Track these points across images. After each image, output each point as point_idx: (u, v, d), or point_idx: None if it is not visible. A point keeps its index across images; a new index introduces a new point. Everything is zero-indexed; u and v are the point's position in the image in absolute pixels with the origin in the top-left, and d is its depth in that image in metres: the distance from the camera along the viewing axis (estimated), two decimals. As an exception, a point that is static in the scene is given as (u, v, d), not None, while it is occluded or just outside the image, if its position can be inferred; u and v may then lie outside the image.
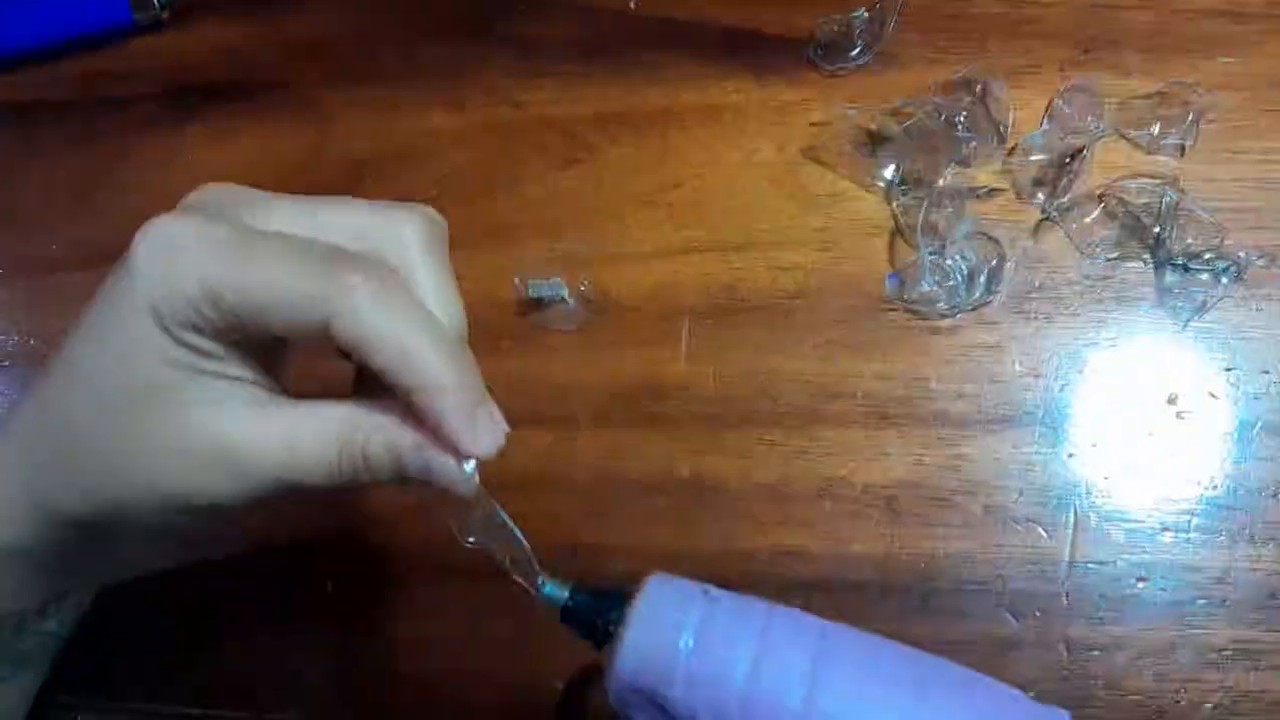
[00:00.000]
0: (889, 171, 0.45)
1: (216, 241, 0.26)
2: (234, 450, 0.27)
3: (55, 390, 0.29)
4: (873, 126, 0.45)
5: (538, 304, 0.45)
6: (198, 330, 0.27)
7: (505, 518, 0.31)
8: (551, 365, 0.45)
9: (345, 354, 0.27)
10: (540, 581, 0.32)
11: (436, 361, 0.26)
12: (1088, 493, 0.41)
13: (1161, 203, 0.43)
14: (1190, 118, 0.43)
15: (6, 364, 0.49)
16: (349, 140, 0.49)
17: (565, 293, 0.44)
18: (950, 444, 0.42)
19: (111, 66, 0.52)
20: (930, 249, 0.42)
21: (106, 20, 0.51)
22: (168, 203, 0.40)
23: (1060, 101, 0.45)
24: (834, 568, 0.41)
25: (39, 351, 0.49)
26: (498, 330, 0.45)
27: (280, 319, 0.26)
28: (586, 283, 0.45)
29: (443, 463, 0.27)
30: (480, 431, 0.27)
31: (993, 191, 0.44)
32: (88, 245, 0.49)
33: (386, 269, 0.27)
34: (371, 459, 0.28)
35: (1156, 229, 0.43)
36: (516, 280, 0.44)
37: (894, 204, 0.44)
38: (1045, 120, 0.45)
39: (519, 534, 0.31)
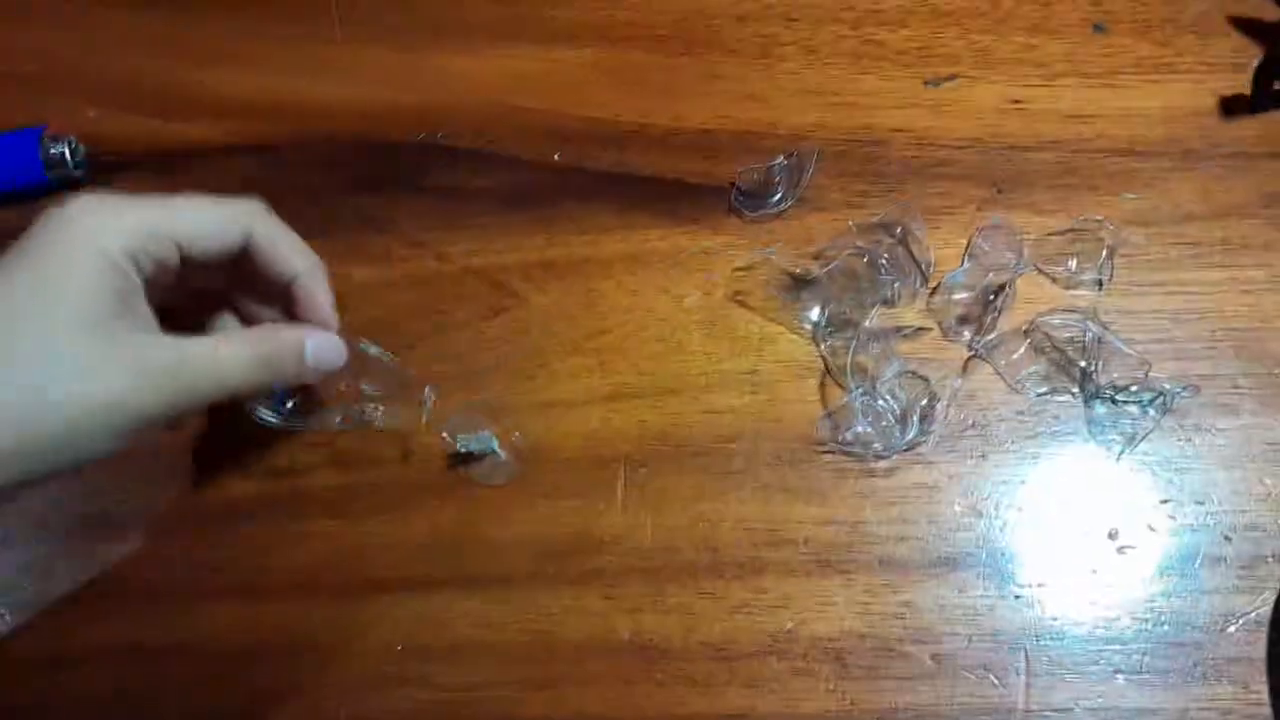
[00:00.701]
0: (814, 314, 0.45)
1: (135, 197, 0.34)
2: (183, 364, 0.33)
3: None
4: (796, 270, 0.45)
5: (466, 458, 0.43)
6: (135, 264, 0.33)
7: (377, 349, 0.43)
8: (481, 522, 0.43)
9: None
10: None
11: (315, 261, 0.39)
12: (1037, 636, 0.40)
13: (1085, 337, 0.43)
14: (1104, 254, 0.44)
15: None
16: (269, 296, 0.47)
17: (495, 445, 0.42)
18: (895, 590, 0.41)
19: (21, 226, 0.50)
20: (861, 390, 0.42)
21: (17, 181, 0.49)
22: None
23: (979, 239, 0.46)
24: (784, 729, 0.39)
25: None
26: (423, 486, 0.43)
27: (209, 239, 0.35)
28: (517, 434, 0.43)
29: (327, 339, 0.38)
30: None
31: (919, 330, 0.44)
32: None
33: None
34: (279, 350, 0.36)
35: (1082, 363, 0.43)
36: (445, 435, 0.43)
37: (822, 345, 0.44)
38: (966, 258, 0.45)
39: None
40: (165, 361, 0.33)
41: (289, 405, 0.43)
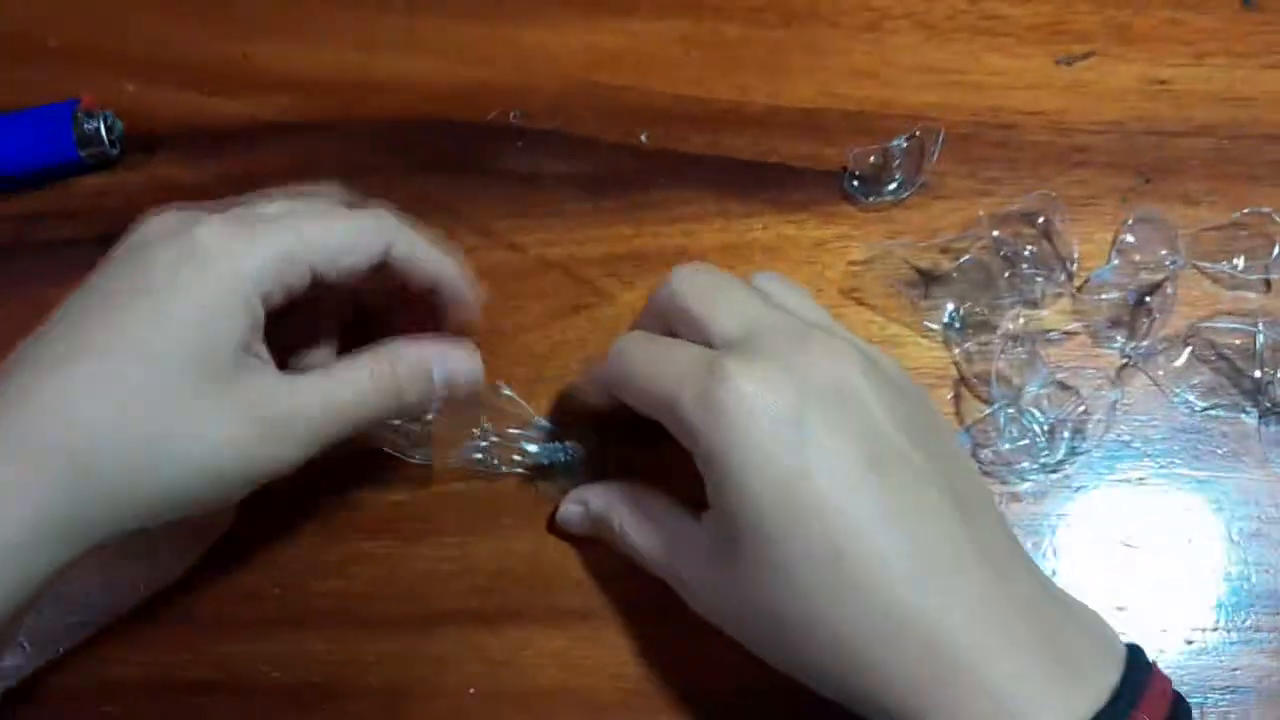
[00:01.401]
0: (945, 314, 0.39)
1: (260, 218, 0.31)
2: (297, 411, 0.30)
3: (90, 383, 0.28)
4: (923, 264, 0.40)
5: (544, 472, 0.38)
6: (266, 300, 0.30)
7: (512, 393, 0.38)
8: (560, 546, 0.38)
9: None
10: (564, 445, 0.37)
11: (454, 262, 0.35)
12: (1212, 689, 0.34)
13: (1257, 344, 0.38)
14: (1276, 250, 0.39)
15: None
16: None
17: (578, 455, 0.37)
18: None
19: (53, 207, 0.46)
20: (1005, 402, 0.37)
21: (49, 158, 0.45)
22: None
23: (1127, 233, 0.40)
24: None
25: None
26: (492, 501, 0.38)
27: (347, 258, 0.31)
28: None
29: (459, 357, 0.35)
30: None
31: (1067, 335, 0.39)
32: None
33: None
34: (402, 376, 0.32)
35: (1256, 373, 0.37)
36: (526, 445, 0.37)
37: (955, 350, 0.39)
38: (1113, 254, 0.40)
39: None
40: (288, 409, 0.30)
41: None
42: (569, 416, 0.39)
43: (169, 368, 0.28)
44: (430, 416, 0.37)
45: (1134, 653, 0.28)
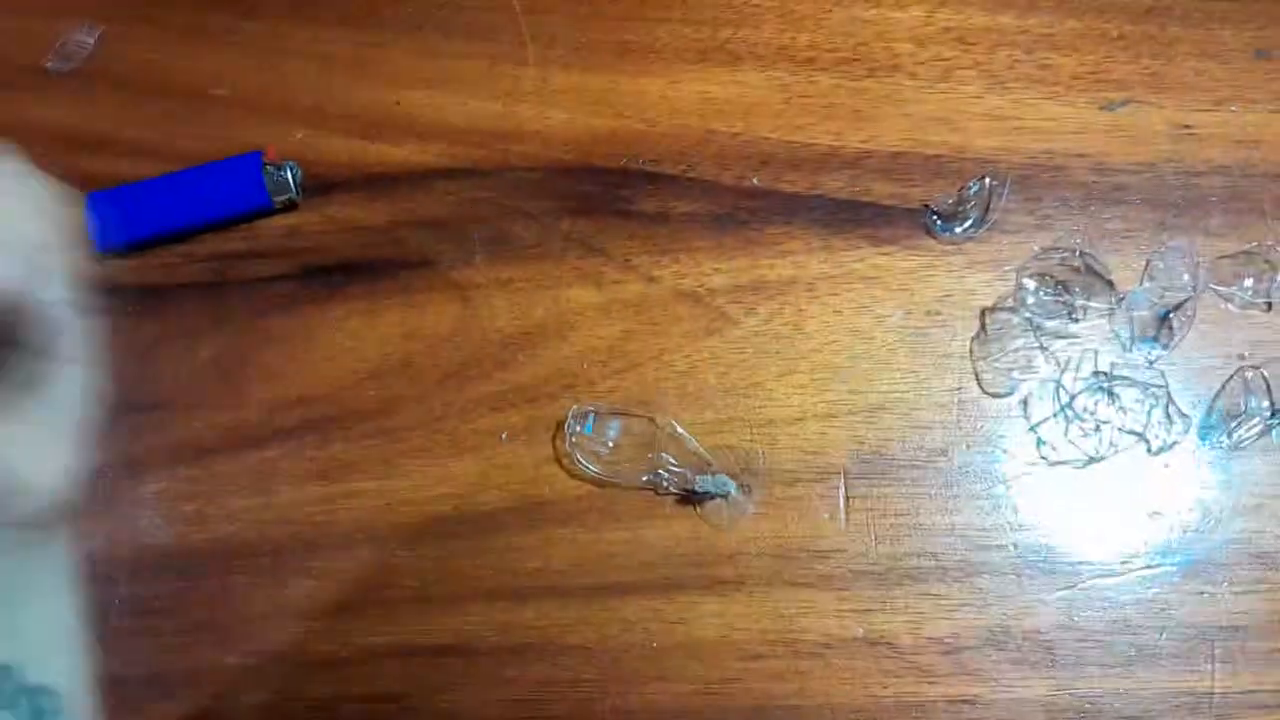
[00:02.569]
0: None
1: None
2: None
3: None
4: (988, 306, 0.49)
5: (700, 497, 0.47)
6: None
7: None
8: (713, 532, 0.47)
9: None
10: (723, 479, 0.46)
11: None
12: (1220, 628, 0.45)
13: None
14: (1279, 277, 0.48)
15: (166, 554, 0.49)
16: (493, 318, 0.51)
17: (733, 488, 0.46)
18: (1100, 589, 0.45)
19: (244, 247, 0.53)
20: (1067, 404, 0.46)
21: (243, 205, 0.52)
22: (312, 382, 0.50)
23: (1157, 260, 0.49)
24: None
25: (196, 536, 0.49)
26: (653, 502, 0.48)
27: None
28: (750, 479, 0.47)
29: None
30: None
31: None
32: (237, 429, 0.50)
33: None
34: None
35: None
36: (690, 474, 0.47)
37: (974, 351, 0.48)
38: (1145, 279, 0.49)
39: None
40: None
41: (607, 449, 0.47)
42: (728, 457, 0.48)
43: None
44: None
45: None
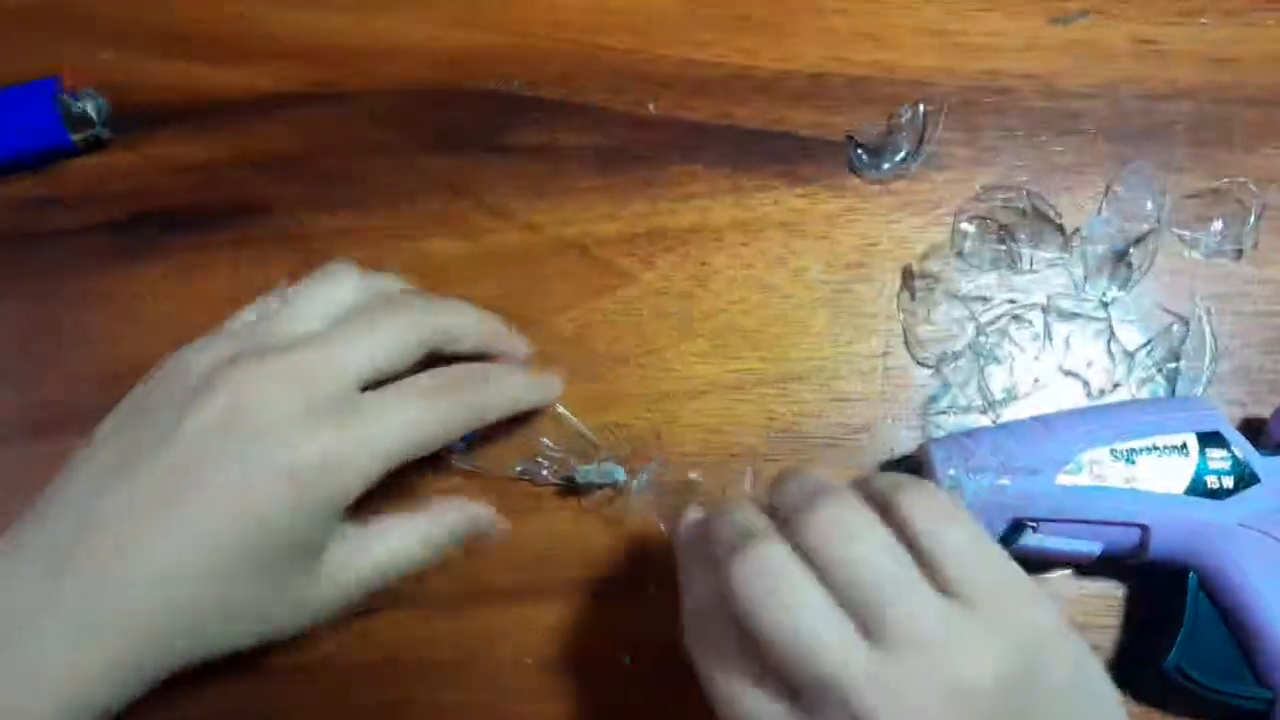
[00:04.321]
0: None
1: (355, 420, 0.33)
2: (361, 573, 0.35)
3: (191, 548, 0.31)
4: (916, 266, 0.42)
5: (582, 488, 0.40)
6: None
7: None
8: (602, 526, 0.41)
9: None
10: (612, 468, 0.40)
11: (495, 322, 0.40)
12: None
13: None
14: (1251, 219, 0.42)
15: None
16: (342, 273, 0.43)
17: (621, 476, 0.40)
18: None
19: (43, 194, 0.44)
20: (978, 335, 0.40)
21: (34, 143, 0.43)
22: (130, 353, 0.41)
23: (1117, 186, 0.43)
24: None
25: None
26: (532, 490, 0.41)
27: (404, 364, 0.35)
28: (653, 464, 0.40)
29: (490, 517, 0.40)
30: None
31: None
32: (38, 410, 0.42)
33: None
34: (448, 535, 0.38)
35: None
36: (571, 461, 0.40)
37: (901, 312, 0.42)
38: (1103, 205, 0.43)
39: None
40: (354, 574, 0.35)
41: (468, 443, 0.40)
42: (618, 438, 0.41)
43: (265, 538, 0.32)
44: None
45: None
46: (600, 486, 0.40)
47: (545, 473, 0.40)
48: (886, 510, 0.28)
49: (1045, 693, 0.26)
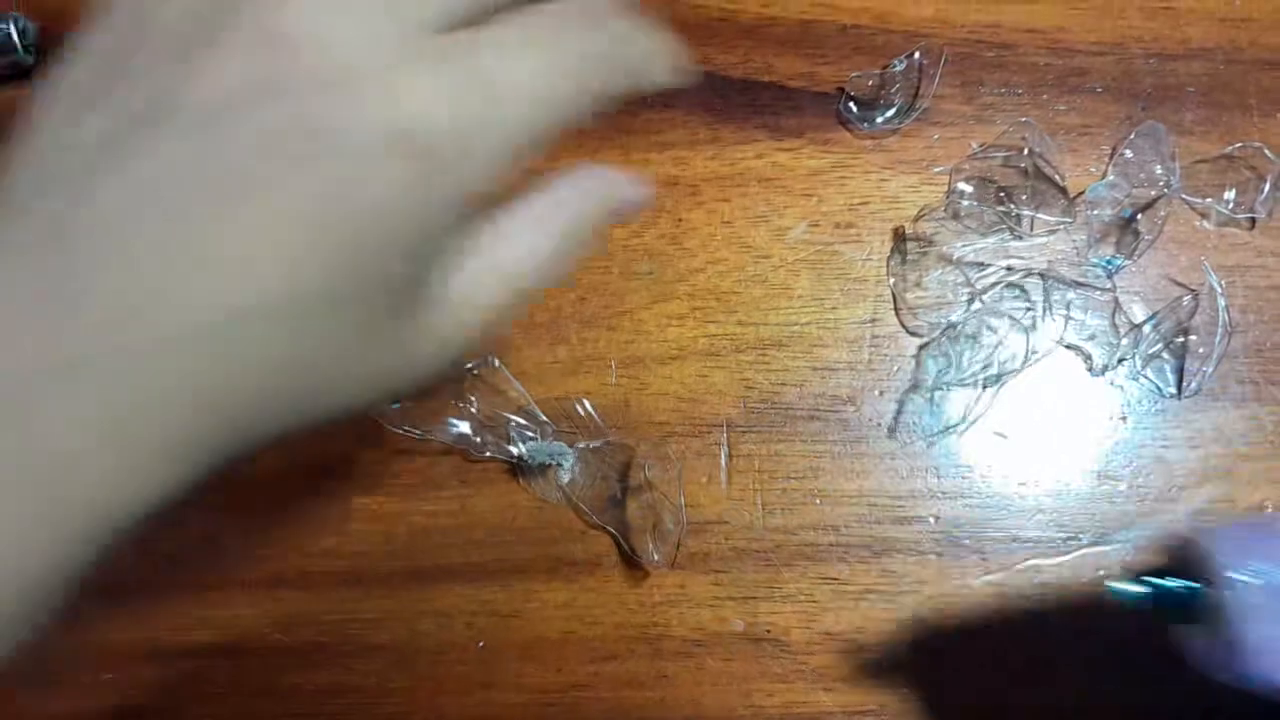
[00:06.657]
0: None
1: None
2: (491, 300, 0.22)
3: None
4: (908, 227, 0.39)
5: (527, 469, 0.37)
6: None
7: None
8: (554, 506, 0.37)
9: None
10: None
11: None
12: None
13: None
14: (1266, 187, 0.39)
15: None
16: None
17: (570, 459, 0.36)
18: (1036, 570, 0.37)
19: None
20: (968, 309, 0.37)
21: (-52, 69, 0.39)
22: None
23: (1126, 149, 0.40)
24: (916, 727, 0.36)
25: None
26: (483, 462, 0.37)
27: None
28: (601, 442, 0.37)
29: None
30: None
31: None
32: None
33: None
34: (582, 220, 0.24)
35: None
36: (514, 435, 0.36)
37: (890, 278, 0.39)
38: (1110, 168, 0.40)
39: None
40: (447, 339, 0.22)
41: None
42: (566, 419, 0.37)
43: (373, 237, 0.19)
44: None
45: None
46: (547, 466, 0.36)
47: (484, 447, 0.36)
48: None
49: None
